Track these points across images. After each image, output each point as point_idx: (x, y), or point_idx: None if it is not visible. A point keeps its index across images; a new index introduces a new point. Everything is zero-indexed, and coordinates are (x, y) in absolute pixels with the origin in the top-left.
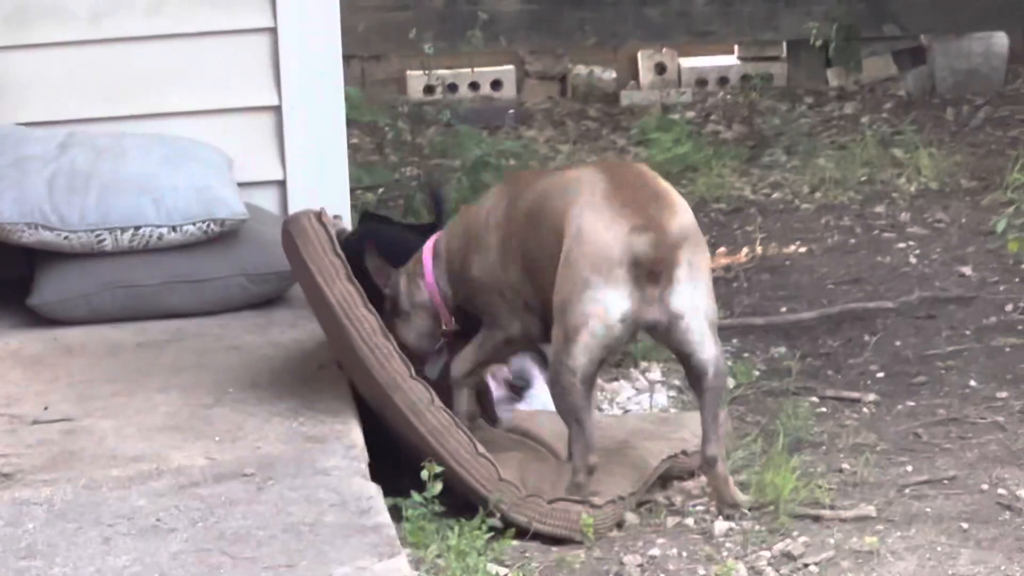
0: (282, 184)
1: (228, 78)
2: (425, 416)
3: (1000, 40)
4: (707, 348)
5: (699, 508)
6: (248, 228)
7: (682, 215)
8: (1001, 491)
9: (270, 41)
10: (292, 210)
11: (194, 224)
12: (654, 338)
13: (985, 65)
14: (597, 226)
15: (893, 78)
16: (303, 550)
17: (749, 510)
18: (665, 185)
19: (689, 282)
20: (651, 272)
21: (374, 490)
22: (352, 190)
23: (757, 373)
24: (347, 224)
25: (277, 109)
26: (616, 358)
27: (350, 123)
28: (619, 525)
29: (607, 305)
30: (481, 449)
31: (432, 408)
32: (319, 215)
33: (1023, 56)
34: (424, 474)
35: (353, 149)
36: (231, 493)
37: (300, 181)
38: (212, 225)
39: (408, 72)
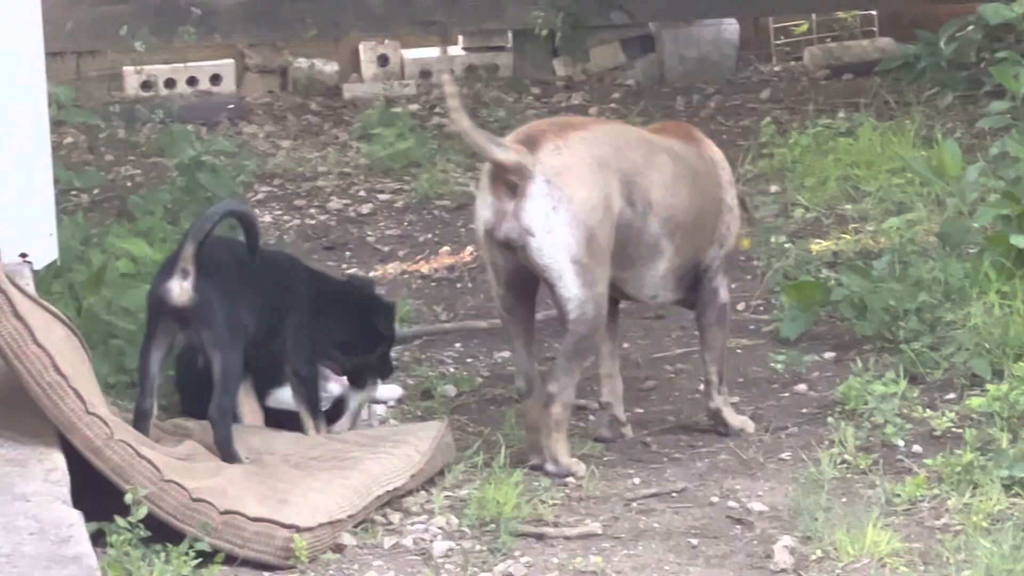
0: None
1: None
2: (104, 453)
3: (731, 27)
4: None
5: (418, 527)
6: None
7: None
8: (732, 503)
9: None
10: None
11: None
12: None
13: (715, 53)
14: None
15: (622, 67)
16: None
17: (470, 527)
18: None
19: None
20: None
21: (75, 517)
22: (66, 192)
23: (480, 380)
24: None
25: None
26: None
27: (61, 123)
28: (338, 548)
29: None
30: (167, 475)
31: (111, 443)
32: None
33: (754, 43)
34: (128, 498)
35: (68, 149)
36: None
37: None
38: None
39: (125, 68)
